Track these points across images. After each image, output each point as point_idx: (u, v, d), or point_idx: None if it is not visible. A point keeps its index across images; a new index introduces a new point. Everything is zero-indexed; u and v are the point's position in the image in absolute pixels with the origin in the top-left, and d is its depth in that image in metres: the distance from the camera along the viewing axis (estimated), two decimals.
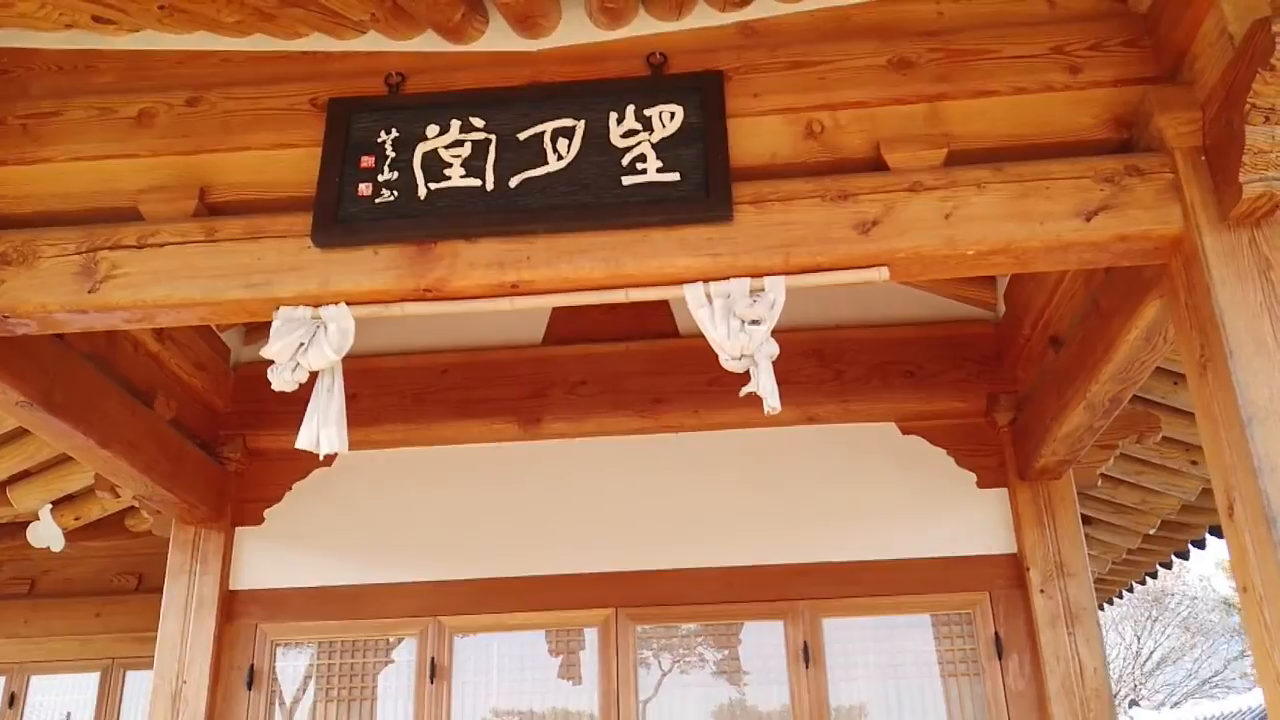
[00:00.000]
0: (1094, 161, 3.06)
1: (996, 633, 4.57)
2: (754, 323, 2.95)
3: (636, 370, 5.00)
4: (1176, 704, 22.40)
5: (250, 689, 4.72)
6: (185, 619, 4.77)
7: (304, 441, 3.06)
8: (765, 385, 2.93)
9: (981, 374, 4.88)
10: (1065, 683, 4.39)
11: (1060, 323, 4.18)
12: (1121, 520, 6.47)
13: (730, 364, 3.01)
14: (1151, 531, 6.62)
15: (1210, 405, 2.85)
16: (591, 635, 4.75)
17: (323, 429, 3.03)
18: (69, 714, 6.86)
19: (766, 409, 2.94)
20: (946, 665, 4.61)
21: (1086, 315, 3.85)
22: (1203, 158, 2.97)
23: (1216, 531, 6.96)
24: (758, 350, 2.95)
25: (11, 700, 6.86)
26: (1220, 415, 2.80)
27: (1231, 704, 19.60)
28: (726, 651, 4.74)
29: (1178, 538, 7.10)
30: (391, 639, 4.84)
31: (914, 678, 4.61)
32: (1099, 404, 3.94)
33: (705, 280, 3.03)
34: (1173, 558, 7.69)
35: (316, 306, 3.11)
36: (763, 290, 3.00)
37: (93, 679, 6.87)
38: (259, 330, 5.19)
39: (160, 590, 6.68)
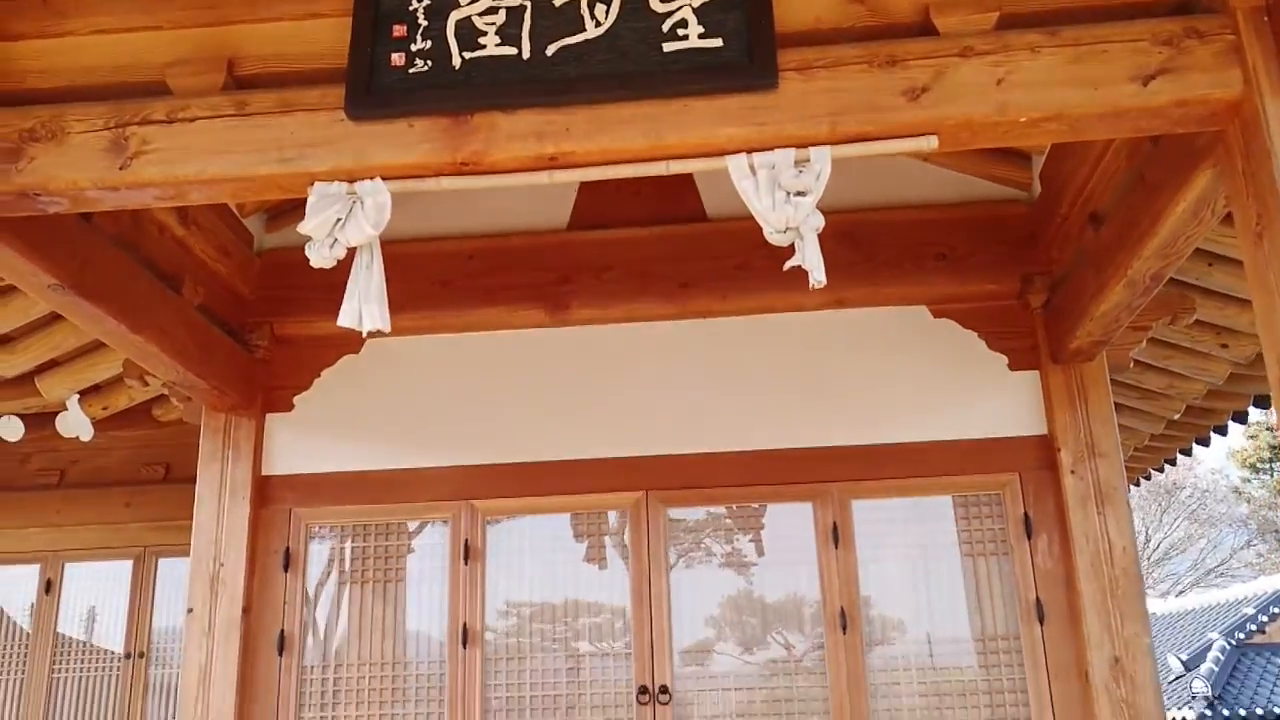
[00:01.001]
0: (1151, 24, 2.96)
1: (1026, 513, 4.60)
2: (799, 194, 2.89)
3: (664, 255, 4.95)
4: (1181, 593, 22.78)
5: (286, 571, 4.79)
6: (219, 504, 4.81)
7: (346, 319, 3.03)
8: (811, 258, 2.88)
9: (1015, 255, 4.82)
10: (1094, 562, 4.43)
11: (1101, 199, 4.10)
12: (1147, 406, 6.46)
13: (775, 238, 2.95)
14: (1176, 417, 6.62)
15: (1265, 274, 2.80)
16: (616, 520, 4.79)
17: (364, 305, 3.00)
18: (93, 607, 7.00)
19: (812, 283, 2.90)
20: (975, 545, 4.65)
21: (1131, 189, 3.77)
22: (1265, 18, 2.87)
23: (1240, 417, 6.97)
24: (803, 223, 2.90)
25: (48, 587, 7.00)
26: (1275, 283, 2.75)
27: (1235, 592, 19.95)
28: (754, 534, 4.77)
29: (1200, 424, 7.10)
30: (424, 522, 4.88)
31: (942, 558, 4.65)
32: (1139, 281, 3.89)
33: (749, 151, 2.96)
34: (1194, 444, 7.71)
35: (351, 181, 3.05)
36: (808, 161, 2.93)
37: (126, 566, 7.00)
38: (282, 217, 5.14)
39: (188, 480, 6.76)
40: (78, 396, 5.85)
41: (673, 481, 4.77)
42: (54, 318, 5.12)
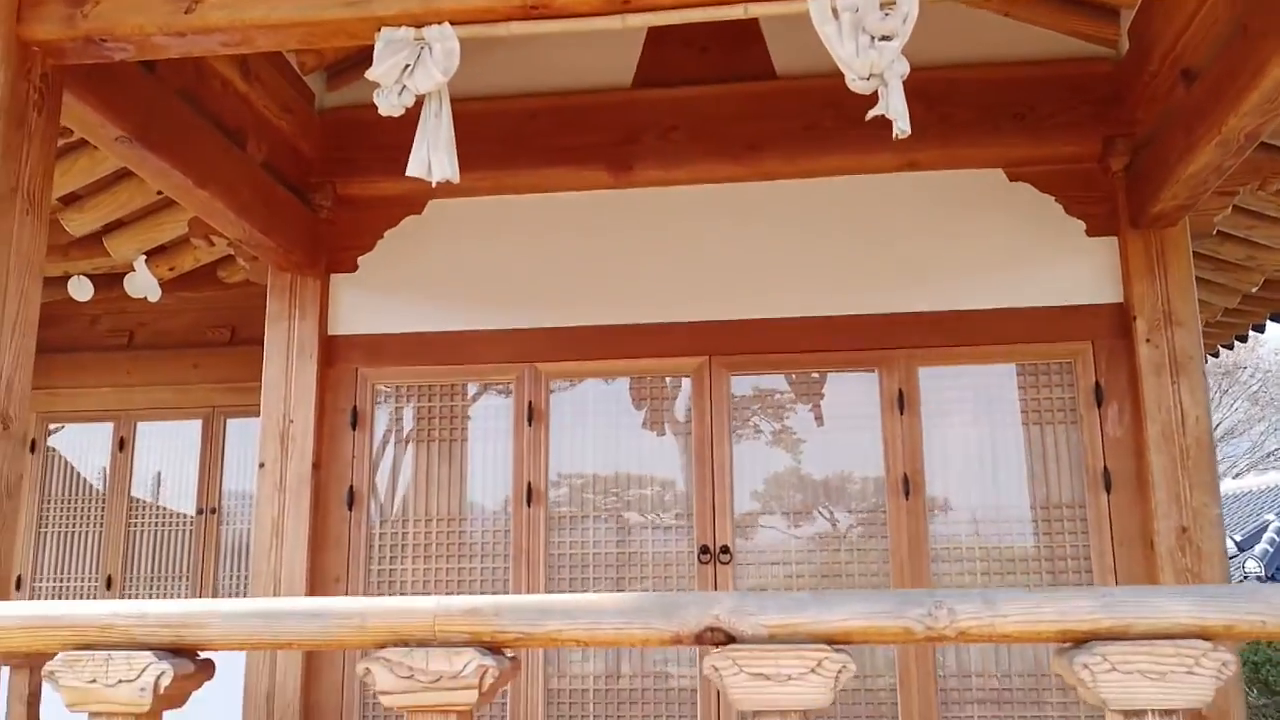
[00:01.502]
0: None
1: (1097, 382, 4.52)
2: (885, 38, 2.76)
3: (730, 114, 4.82)
4: (1238, 475, 22.59)
5: (354, 429, 4.87)
6: (287, 362, 4.87)
7: (414, 168, 2.99)
8: (895, 106, 2.76)
9: (1098, 115, 4.63)
10: (1166, 430, 4.36)
11: (1195, 53, 3.90)
12: (1223, 278, 6.28)
13: (857, 85, 2.83)
14: (1253, 290, 6.43)
15: None
16: (673, 386, 4.78)
17: (433, 154, 2.95)
18: (165, 465, 7.18)
19: (896, 132, 2.79)
20: (1043, 414, 4.59)
21: (1229, 42, 3.57)
22: None
23: None
24: (888, 69, 2.77)
25: (121, 444, 7.20)
26: None
27: None
28: (817, 399, 4.75)
29: (1276, 299, 6.90)
30: (487, 384, 4.91)
31: (1010, 425, 4.60)
32: (1233, 140, 3.71)
33: None
34: (1268, 320, 7.52)
35: (419, 27, 2.96)
36: (894, 3, 2.79)
37: (195, 426, 7.17)
38: (343, 75, 5.06)
39: (253, 342, 6.87)
40: (144, 257, 5.91)
41: (737, 347, 4.74)
42: (120, 176, 5.14)
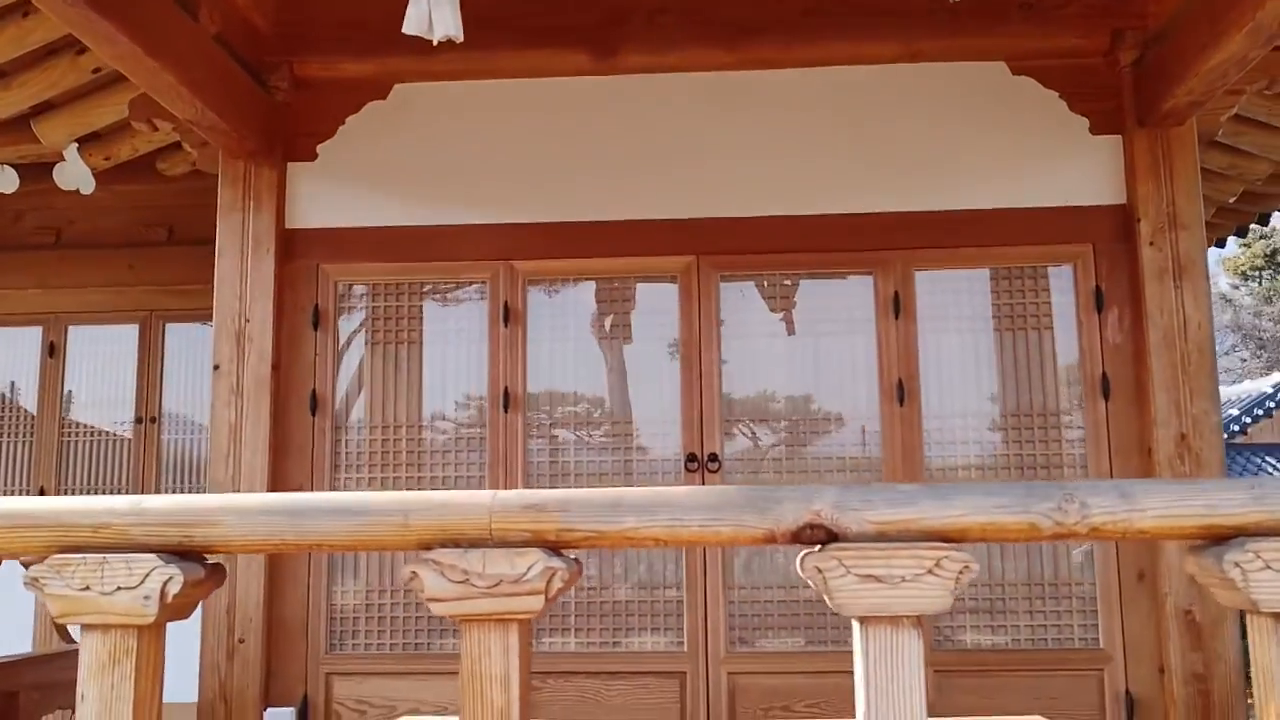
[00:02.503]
0: None
1: (1097, 286, 4.38)
2: None
3: None
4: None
5: (316, 329, 4.55)
6: (242, 257, 4.52)
7: (412, 25, 2.66)
8: None
9: (1107, 7, 4.42)
10: (1167, 335, 4.24)
11: None
12: (1204, 188, 6.16)
13: None
14: (1230, 201, 6.35)
15: None
16: (646, 289, 4.54)
17: (434, 8, 2.63)
18: (99, 371, 6.77)
19: None
20: (1042, 319, 4.44)
21: None
22: None
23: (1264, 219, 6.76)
24: None
25: (51, 349, 6.77)
26: None
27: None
28: (810, 302, 4.54)
29: (1247, 210, 6.84)
30: (460, 283, 4.62)
31: (1006, 330, 4.45)
32: (1266, 28, 3.52)
33: None
34: (1232, 235, 7.49)
35: None
36: None
37: (132, 331, 6.76)
38: None
39: (193, 242, 6.49)
40: (77, 145, 5.44)
41: (726, 246, 4.50)
42: (51, 51, 4.68)
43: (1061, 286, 4.45)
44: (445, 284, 4.63)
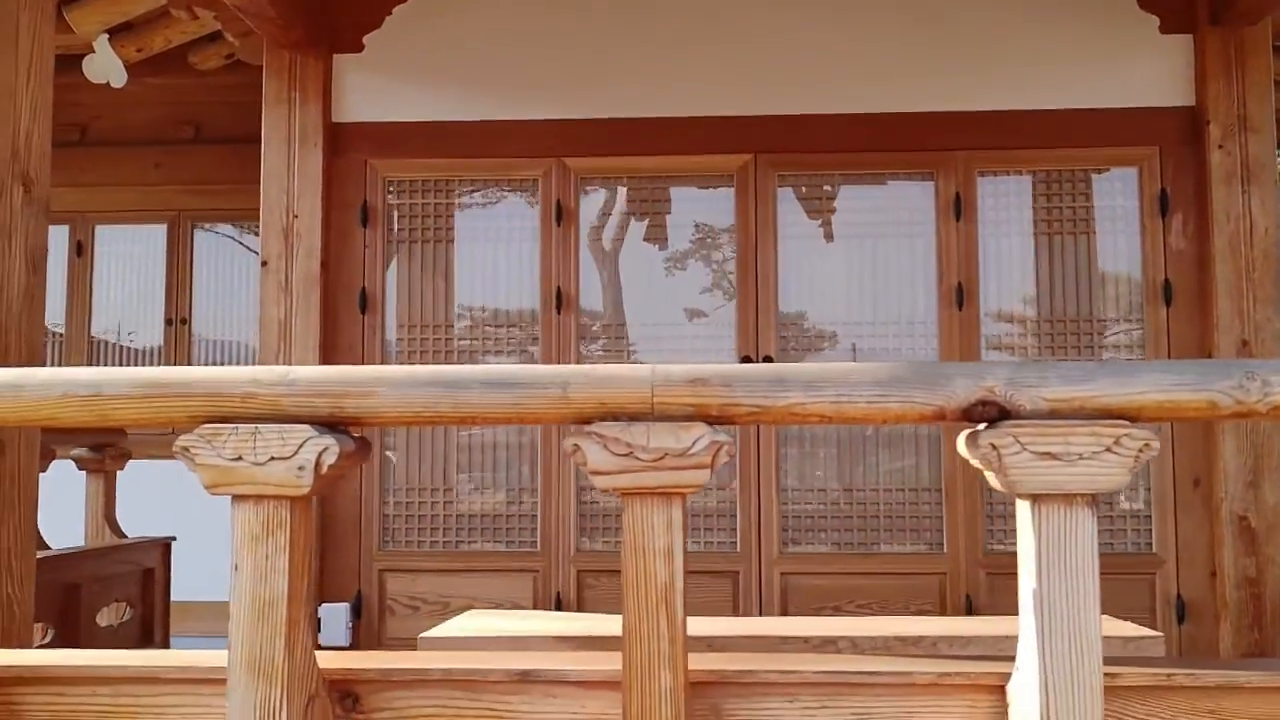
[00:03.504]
0: None
1: (1163, 189, 4.30)
2: None
3: None
4: None
5: (365, 227, 4.48)
6: (289, 151, 4.42)
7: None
8: None
9: None
10: (1233, 242, 4.18)
11: None
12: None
13: None
14: None
15: None
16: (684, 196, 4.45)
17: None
18: (129, 271, 6.70)
19: None
20: (1105, 223, 4.38)
21: None
22: None
23: None
24: None
25: (79, 249, 6.69)
26: None
27: None
28: (868, 202, 4.46)
29: None
30: (512, 180, 4.53)
31: (1068, 233, 4.38)
32: None
33: None
34: None
35: None
36: None
37: (159, 231, 6.67)
38: None
39: (222, 141, 6.37)
40: (108, 36, 5.29)
41: (784, 144, 4.41)
42: None
43: (1124, 190, 4.38)
44: (495, 181, 4.54)
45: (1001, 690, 1.52)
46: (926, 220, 4.39)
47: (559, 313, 4.41)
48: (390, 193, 4.53)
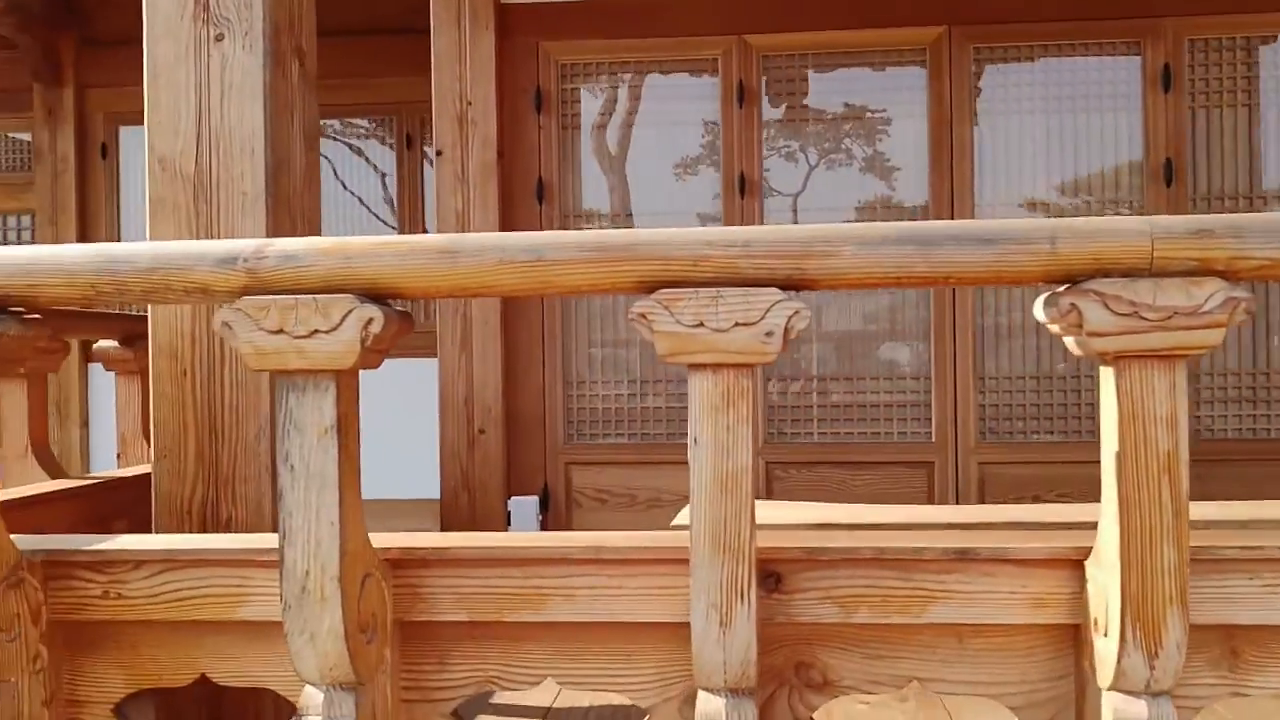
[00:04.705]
0: None
1: None
2: None
3: None
4: None
5: (539, 113, 4.33)
6: (460, 34, 4.25)
7: None
8: None
9: None
10: None
11: None
12: None
13: None
14: None
15: None
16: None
17: None
18: None
19: None
20: None
21: None
22: None
23: None
24: None
25: None
26: None
27: None
28: (1069, 77, 4.24)
29: None
30: (690, 59, 4.34)
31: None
32: None
33: None
34: None
35: None
36: None
37: None
38: None
39: (340, 34, 6.18)
40: None
41: (980, 15, 4.18)
42: None
43: None
44: (675, 60, 4.35)
45: None
46: (1131, 93, 4.16)
47: (742, 197, 4.26)
48: (563, 76, 4.36)
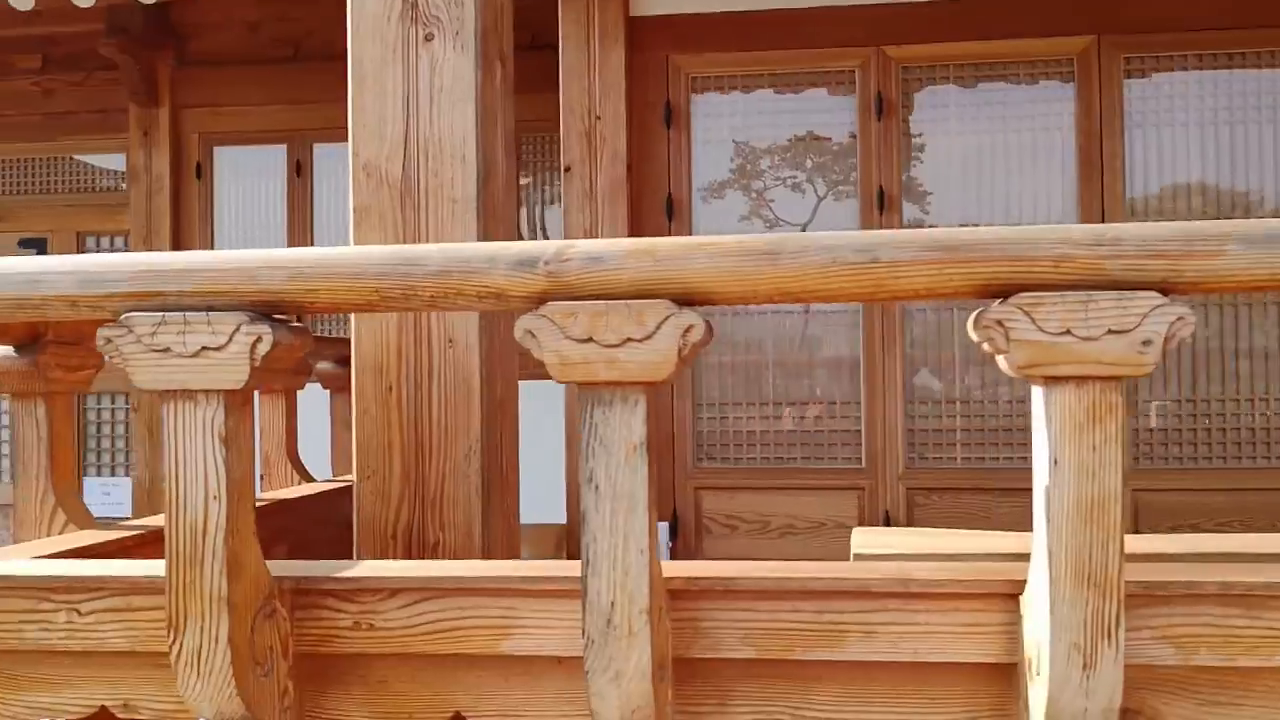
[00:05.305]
0: None
1: None
2: None
3: None
4: None
5: (669, 128, 4.22)
6: (589, 48, 4.16)
7: None
8: None
9: None
10: None
11: None
12: None
13: None
14: None
15: None
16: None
17: None
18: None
19: None
20: None
21: None
22: None
23: None
24: None
25: (298, 169, 6.54)
26: None
27: None
28: (1230, 87, 4.06)
29: None
30: (826, 72, 4.22)
31: None
32: None
33: None
34: None
35: None
36: None
37: None
38: None
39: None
40: None
41: (1131, 23, 4.02)
42: None
43: None
44: (810, 74, 4.23)
45: None
46: None
47: (881, 213, 4.12)
48: (695, 91, 4.25)
